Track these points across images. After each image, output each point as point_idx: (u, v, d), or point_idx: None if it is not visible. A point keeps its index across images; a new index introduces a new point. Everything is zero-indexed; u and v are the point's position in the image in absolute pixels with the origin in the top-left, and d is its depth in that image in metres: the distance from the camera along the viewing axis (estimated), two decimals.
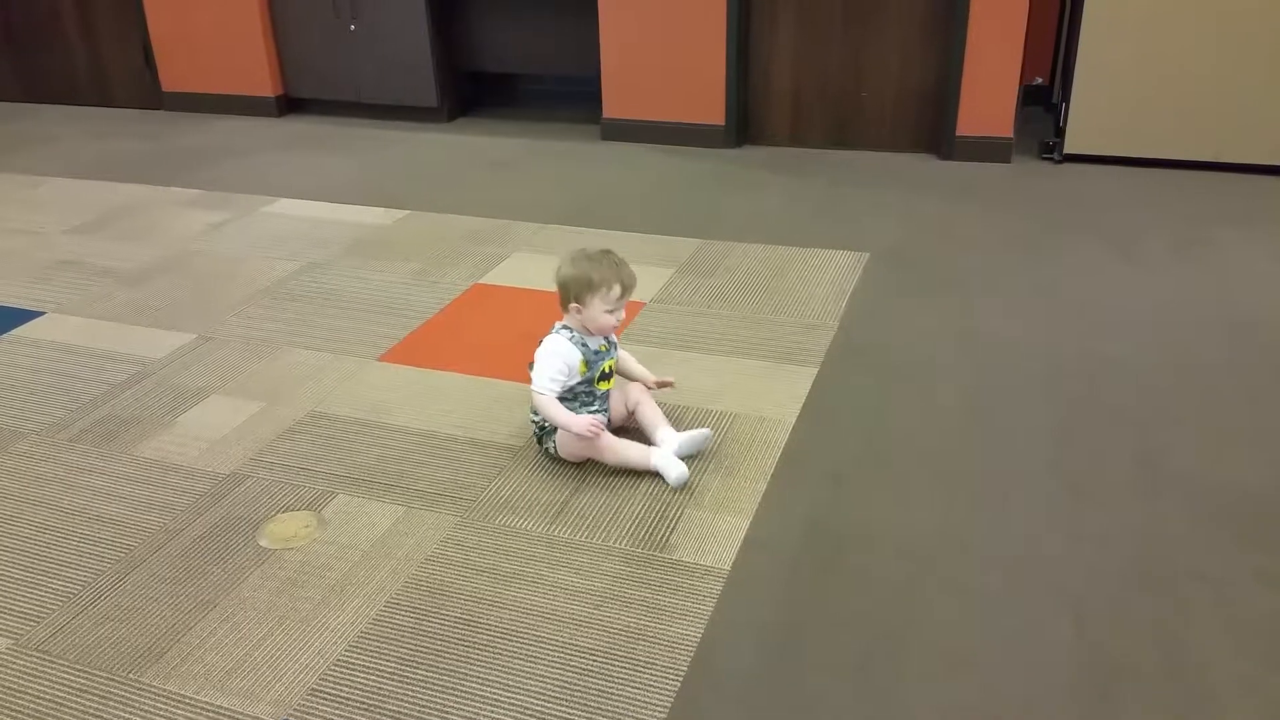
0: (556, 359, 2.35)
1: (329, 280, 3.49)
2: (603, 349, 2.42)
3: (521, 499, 2.31)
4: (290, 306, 3.30)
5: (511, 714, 1.73)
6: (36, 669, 1.85)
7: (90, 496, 2.35)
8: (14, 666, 1.86)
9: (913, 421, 2.58)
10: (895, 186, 4.22)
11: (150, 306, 3.32)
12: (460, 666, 1.82)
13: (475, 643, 1.88)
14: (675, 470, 2.32)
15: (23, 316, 3.27)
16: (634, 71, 4.78)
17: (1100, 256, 3.48)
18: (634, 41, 4.72)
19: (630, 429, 2.49)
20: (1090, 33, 4.12)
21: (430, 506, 2.28)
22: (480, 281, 3.46)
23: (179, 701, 1.77)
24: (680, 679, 1.79)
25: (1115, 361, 2.82)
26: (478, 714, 1.73)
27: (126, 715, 1.75)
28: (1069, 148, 4.32)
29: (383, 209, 4.13)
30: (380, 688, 1.78)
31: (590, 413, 2.39)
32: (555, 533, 2.19)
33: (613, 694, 1.76)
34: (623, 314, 2.40)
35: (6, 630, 1.95)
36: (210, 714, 1.74)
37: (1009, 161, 4.39)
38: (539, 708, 1.73)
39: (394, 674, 1.81)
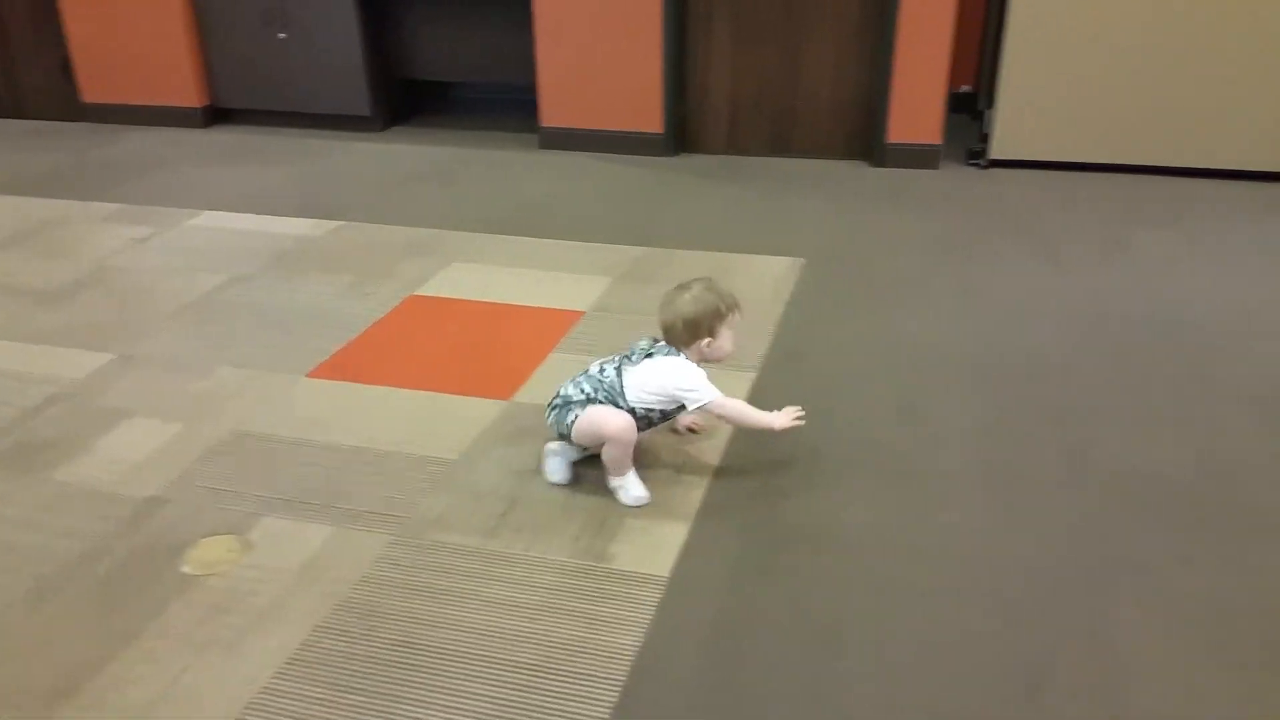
0: (702, 374, 2.29)
1: (256, 294, 3.40)
2: None
3: (457, 514, 2.26)
4: (216, 322, 3.21)
5: None
6: None
7: (1, 525, 2.25)
8: None
9: (848, 423, 2.59)
10: (829, 193, 4.25)
11: (69, 326, 3.20)
12: (396, 690, 1.78)
13: (410, 664, 1.83)
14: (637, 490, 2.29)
15: None
16: (571, 80, 4.76)
17: (1026, 258, 3.54)
18: (570, 51, 4.69)
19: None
20: (1014, 42, 4.19)
21: (363, 525, 2.22)
22: (415, 293, 3.40)
23: None
24: (619, 689, 1.76)
25: (1042, 359, 2.86)
26: None
27: None
28: (995, 153, 4.39)
29: (314, 220, 4.05)
30: (310, 715, 1.73)
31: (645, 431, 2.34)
32: (492, 547, 2.15)
33: (552, 709, 1.73)
34: None
35: None
36: None
37: (938, 168, 4.45)
38: None
39: (325, 700, 1.76)
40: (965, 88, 5.11)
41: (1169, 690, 1.75)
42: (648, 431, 2.37)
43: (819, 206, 4.10)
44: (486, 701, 1.74)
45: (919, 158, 4.45)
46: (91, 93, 5.46)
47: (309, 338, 3.08)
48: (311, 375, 2.87)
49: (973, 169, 4.45)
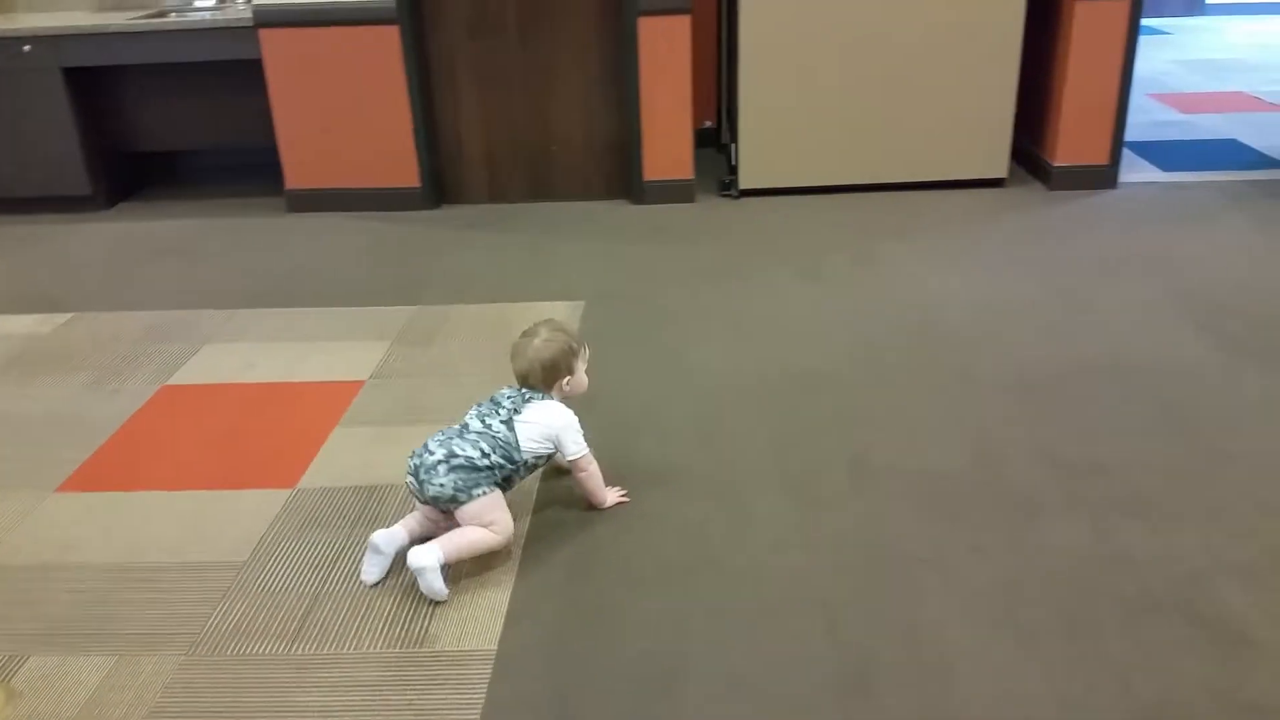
0: (575, 421, 2.32)
1: None
2: None
3: (254, 620, 2.08)
4: None
5: None
6: None
7: None
8: None
9: (649, 456, 2.61)
10: (595, 234, 4.30)
11: None
12: None
13: None
14: (436, 584, 2.11)
15: None
16: (315, 140, 4.57)
17: (786, 279, 3.71)
18: (311, 110, 4.51)
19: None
20: (747, 79, 4.42)
21: (147, 649, 2.00)
22: (168, 383, 3.13)
23: None
24: None
25: (818, 372, 3.00)
26: None
27: None
28: (744, 184, 4.60)
29: (39, 315, 3.65)
30: None
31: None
32: (299, 651, 1.99)
33: None
34: None
35: None
36: None
37: (694, 201, 4.61)
38: None
39: None
40: (708, 123, 5.33)
41: (981, 672, 1.87)
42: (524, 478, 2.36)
43: (587, 248, 4.14)
44: None
45: (675, 193, 4.59)
46: None
47: (52, 448, 2.76)
48: (61, 490, 2.57)
49: (726, 199, 4.64)
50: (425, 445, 2.21)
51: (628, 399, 2.91)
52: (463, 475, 2.16)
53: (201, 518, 2.44)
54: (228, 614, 2.11)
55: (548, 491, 2.49)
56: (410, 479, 2.21)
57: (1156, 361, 3.00)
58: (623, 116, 4.54)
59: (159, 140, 4.95)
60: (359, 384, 3.05)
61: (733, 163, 4.65)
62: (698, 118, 5.31)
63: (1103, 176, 4.57)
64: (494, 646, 1.98)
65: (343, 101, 4.49)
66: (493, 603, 2.10)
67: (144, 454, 2.75)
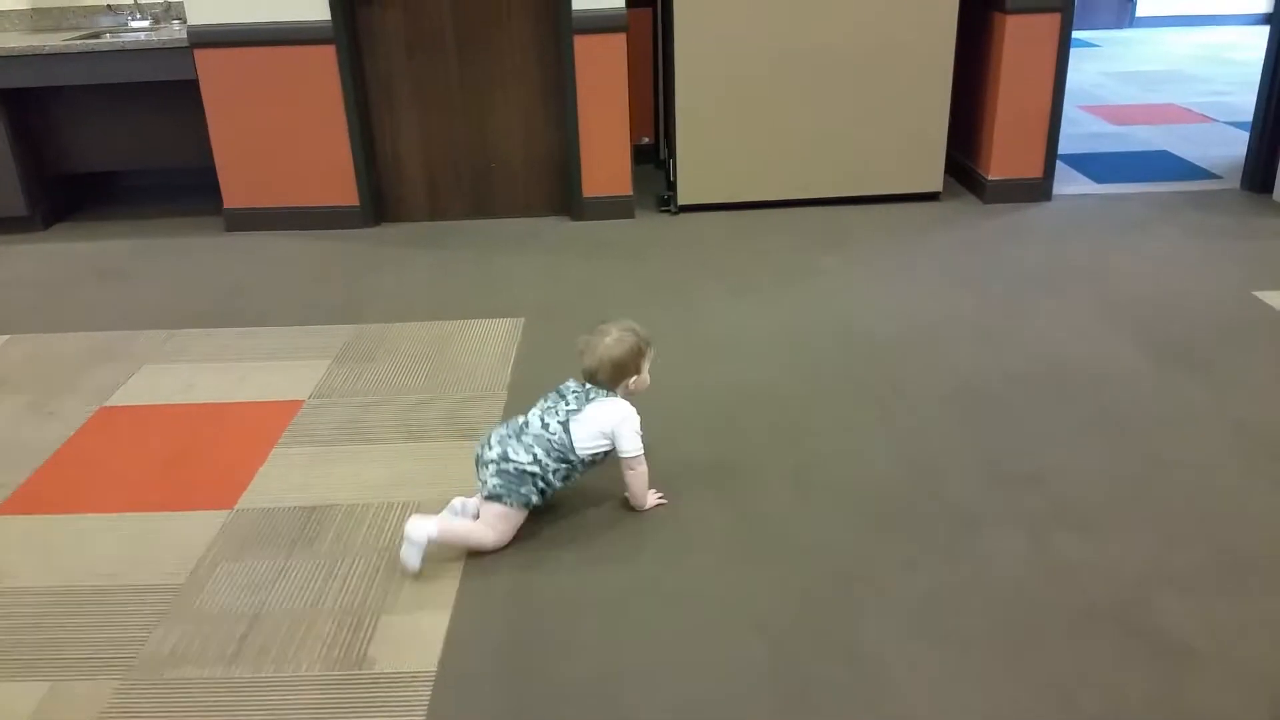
0: (636, 420, 2.37)
1: None
2: None
3: (192, 644, 2.08)
4: None
5: None
6: None
7: None
8: None
9: (591, 473, 2.62)
10: (535, 250, 4.33)
11: None
12: None
13: None
14: (412, 558, 2.25)
15: None
16: (252, 159, 4.55)
17: (722, 294, 3.76)
18: (247, 130, 4.49)
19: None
20: (684, 95, 4.49)
21: (82, 675, 2.00)
22: (106, 404, 3.10)
23: None
24: None
25: (758, 385, 3.05)
26: None
27: None
28: (682, 199, 4.66)
29: None
30: None
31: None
32: (237, 674, 2.00)
33: None
34: None
35: None
36: None
37: (633, 217, 4.66)
38: None
39: None
40: (645, 139, 5.39)
41: (921, 687, 1.91)
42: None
43: (528, 264, 4.16)
44: None
45: (615, 209, 4.64)
46: None
47: None
48: None
49: (665, 215, 4.69)
50: (488, 439, 2.36)
51: None
52: (509, 480, 2.29)
53: (139, 540, 2.43)
54: (165, 638, 2.10)
55: None
56: (475, 463, 2.37)
57: (1091, 371, 3.08)
58: (561, 134, 4.58)
59: (96, 161, 4.89)
60: (298, 404, 3.05)
61: (671, 179, 4.71)
62: (636, 134, 5.39)
63: (1037, 189, 4.70)
64: (434, 668, 1.99)
65: (280, 121, 4.48)
66: (433, 624, 2.12)
67: (81, 477, 2.73)
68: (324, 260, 4.30)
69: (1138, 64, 7.91)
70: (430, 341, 3.45)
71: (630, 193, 4.65)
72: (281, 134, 4.51)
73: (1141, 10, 9.43)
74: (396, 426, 2.91)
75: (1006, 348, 3.26)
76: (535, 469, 2.29)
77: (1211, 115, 6.22)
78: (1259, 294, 3.58)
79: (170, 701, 1.93)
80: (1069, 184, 4.93)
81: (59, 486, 2.68)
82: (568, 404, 2.36)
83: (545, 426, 2.33)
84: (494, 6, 4.41)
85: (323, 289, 3.99)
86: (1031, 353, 3.22)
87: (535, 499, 2.33)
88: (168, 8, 4.90)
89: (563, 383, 2.43)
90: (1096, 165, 5.24)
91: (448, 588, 2.23)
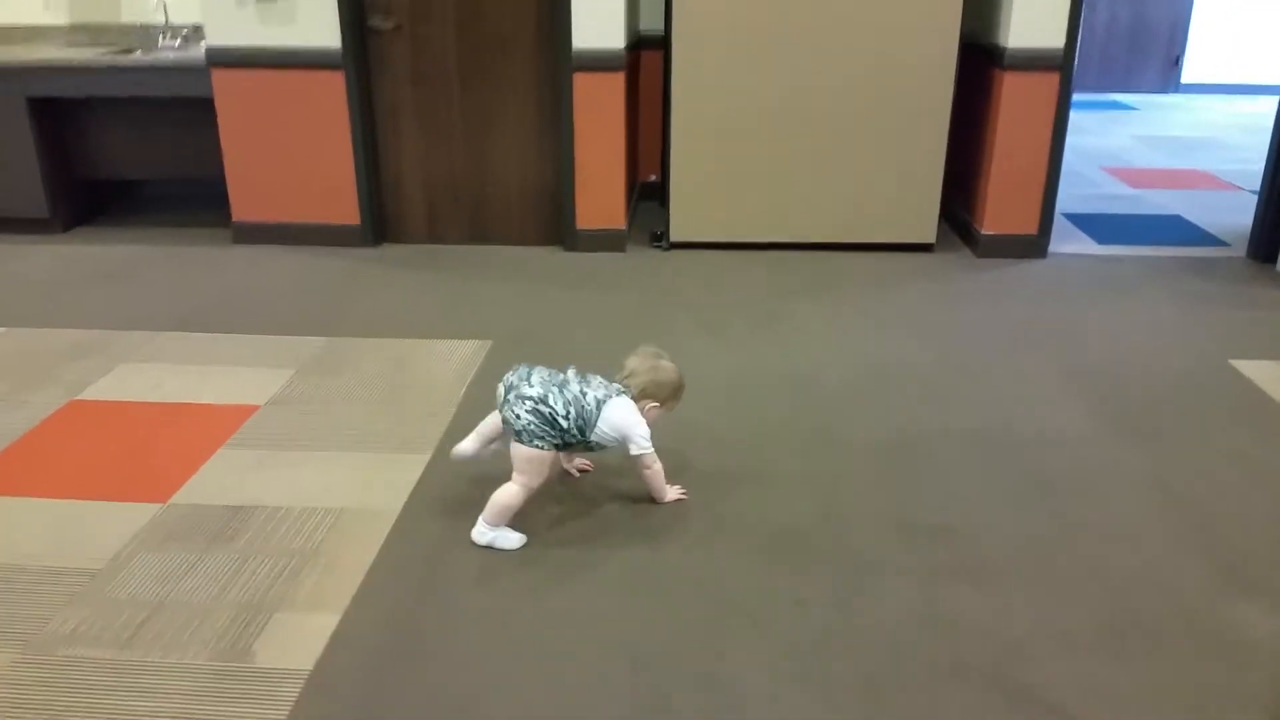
0: (645, 427, 2.51)
1: None
2: None
3: (93, 627, 2.16)
4: None
5: None
6: None
7: None
8: None
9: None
10: (522, 278, 4.41)
11: None
12: None
13: None
14: (508, 542, 2.45)
15: None
16: (261, 175, 4.72)
17: (689, 331, 3.80)
18: (257, 147, 4.67)
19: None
20: (678, 136, 4.57)
21: None
22: (77, 398, 3.23)
23: None
24: None
25: (688, 425, 3.02)
26: None
27: None
28: (675, 236, 4.72)
29: None
30: None
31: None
32: (127, 657, 2.07)
33: None
34: None
35: None
36: None
37: (624, 251, 4.73)
38: None
39: None
40: (653, 177, 5.48)
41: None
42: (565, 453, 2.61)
43: (510, 290, 4.25)
44: None
45: (607, 242, 4.71)
46: None
47: None
48: None
49: (656, 251, 4.75)
50: (529, 375, 2.45)
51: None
52: (538, 422, 2.39)
53: (71, 526, 2.53)
54: (69, 618, 2.18)
55: (405, 526, 2.56)
56: (500, 388, 2.46)
57: (1034, 432, 3.05)
58: (557, 166, 4.68)
59: (119, 169, 5.11)
60: (254, 408, 3.15)
61: (668, 215, 4.78)
62: (644, 171, 5.48)
63: (1031, 246, 4.68)
64: (309, 667, 2.04)
65: (289, 140, 4.65)
66: (321, 625, 2.17)
67: (35, 463, 2.84)
68: (317, 275, 4.43)
69: (1174, 129, 7.83)
70: (394, 358, 3.54)
71: (623, 227, 4.73)
72: (290, 153, 4.67)
73: (1187, 76, 9.34)
74: (338, 436, 2.99)
75: (953, 403, 3.24)
76: (564, 424, 2.41)
77: (1238, 184, 6.14)
78: (1236, 363, 3.52)
79: (56, 678, 2.00)
80: (1069, 243, 4.89)
81: (11, 471, 2.79)
82: (597, 389, 2.48)
83: (583, 394, 2.45)
84: (497, 41, 4.55)
85: (307, 302, 4.10)
86: (977, 410, 3.19)
87: (560, 441, 2.44)
88: (197, 29, 5.11)
89: (591, 373, 2.57)
90: (1102, 226, 5.20)
91: (347, 591, 2.28)
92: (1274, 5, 9.17)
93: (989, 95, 4.56)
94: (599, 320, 3.93)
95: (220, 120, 4.64)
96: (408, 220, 4.86)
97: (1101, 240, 4.95)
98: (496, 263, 4.61)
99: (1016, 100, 4.44)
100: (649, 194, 5.50)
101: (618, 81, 4.48)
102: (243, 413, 3.12)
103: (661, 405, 2.57)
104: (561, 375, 2.49)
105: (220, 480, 2.75)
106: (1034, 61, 4.37)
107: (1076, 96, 9.12)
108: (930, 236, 4.71)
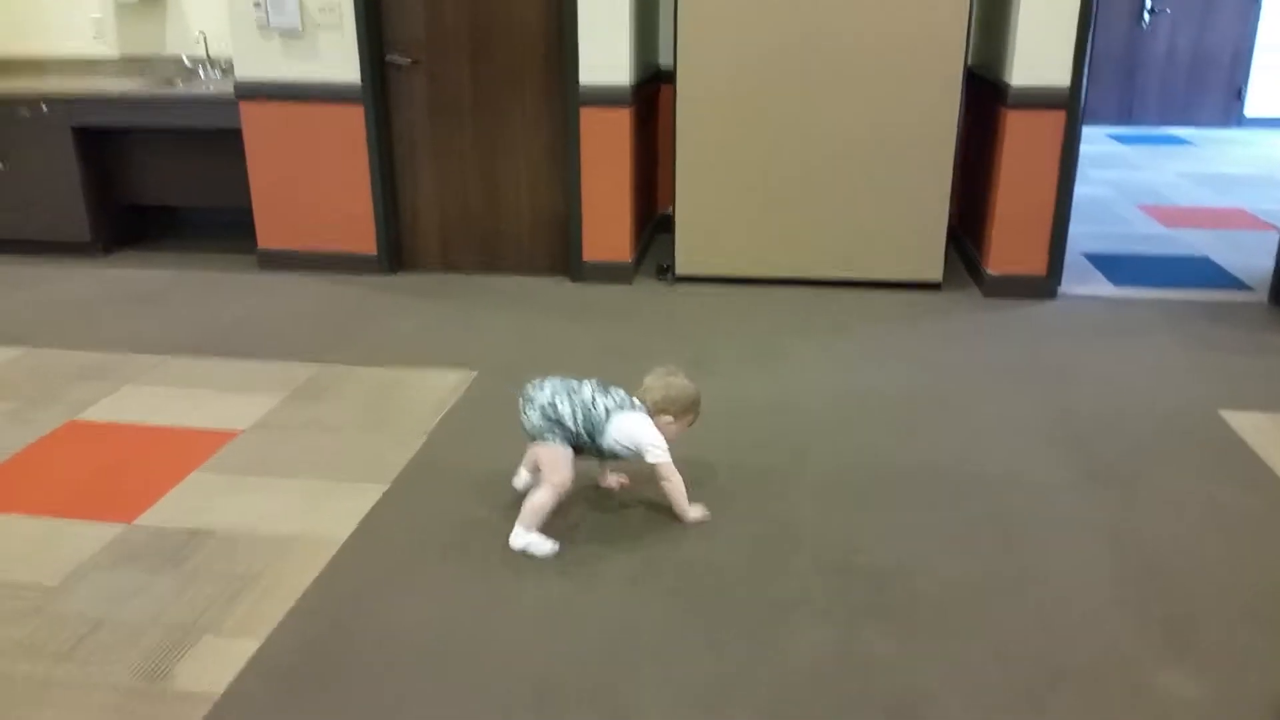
0: (660, 439, 2.67)
1: None
2: None
3: (34, 640, 2.29)
4: None
5: None
6: None
7: None
8: None
9: (453, 530, 2.74)
10: (524, 308, 4.50)
11: None
12: None
13: None
14: (541, 549, 2.61)
15: None
16: (285, 204, 4.91)
17: (677, 363, 3.78)
18: (281, 177, 4.86)
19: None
20: (684, 171, 4.62)
21: None
22: (77, 418, 3.41)
23: None
24: None
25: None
26: None
27: None
28: (681, 270, 4.77)
29: None
30: None
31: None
32: (56, 672, 2.19)
33: None
34: None
35: None
36: None
37: (631, 283, 4.79)
38: None
39: None
40: (670, 209, 5.52)
41: None
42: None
43: (509, 320, 4.34)
44: None
45: (613, 274, 4.78)
46: None
47: None
48: None
49: (662, 284, 4.80)
50: (541, 383, 2.67)
51: (468, 471, 3.05)
52: (547, 423, 2.62)
53: (38, 541, 2.68)
54: (13, 633, 2.32)
55: (346, 554, 2.65)
56: (520, 400, 2.67)
57: (1000, 474, 3.02)
58: (566, 199, 4.77)
59: (159, 195, 5.38)
60: (235, 432, 3.29)
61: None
62: (661, 204, 5.54)
63: (1040, 287, 4.60)
64: (221, 690, 2.14)
65: (311, 170, 4.83)
66: (242, 649, 2.27)
67: (22, 480, 3.02)
68: (330, 303, 4.59)
69: (1227, 166, 7.57)
70: (380, 386, 3.66)
71: (629, 259, 4.80)
72: (312, 182, 4.86)
73: (1251, 109, 9.02)
74: (305, 463, 3.10)
75: (925, 442, 3.22)
76: (569, 423, 2.61)
77: (1277, 224, 5.92)
78: (1225, 412, 3.41)
79: None
80: (1083, 284, 4.79)
81: None
82: (613, 400, 2.66)
83: (594, 402, 2.64)
84: (509, 78, 4.67)
85: (314, 328, 4.26)
86: (948, 449, 3.17)
87: (571, 440, 2.63)
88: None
89: (614, 386, 2.73)
90: (1122, 267, 5.07)
91: (274, 616, 2.38)
92: None
93: (996, 132, 4.51)
94: (587, 352, 3.99)
95: (247, 150, 4.85)
96: (423, 249, 5.01)
97: (1118, 282, 4.84)
98: (503, 292, 4.72)
99: (1020, 139, 4.38)
100: (667, 226, 5.54)
101: (624, 116, 4.56)
102: (223, 437, 3.26)
103: (676, 420, 2.72)
104: (576, 383, 2.68)
105: (185, 503, 2.88)
106: (1038, 99, 4.31)
107: (1132, 131, 8.96)
108: (937, 275, 4.67)
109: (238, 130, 4.85)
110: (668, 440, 2.68)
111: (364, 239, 4.92)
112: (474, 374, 3.76)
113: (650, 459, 2.66)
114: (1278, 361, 3.88)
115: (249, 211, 5.06)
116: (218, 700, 2.11)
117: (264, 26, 4.62)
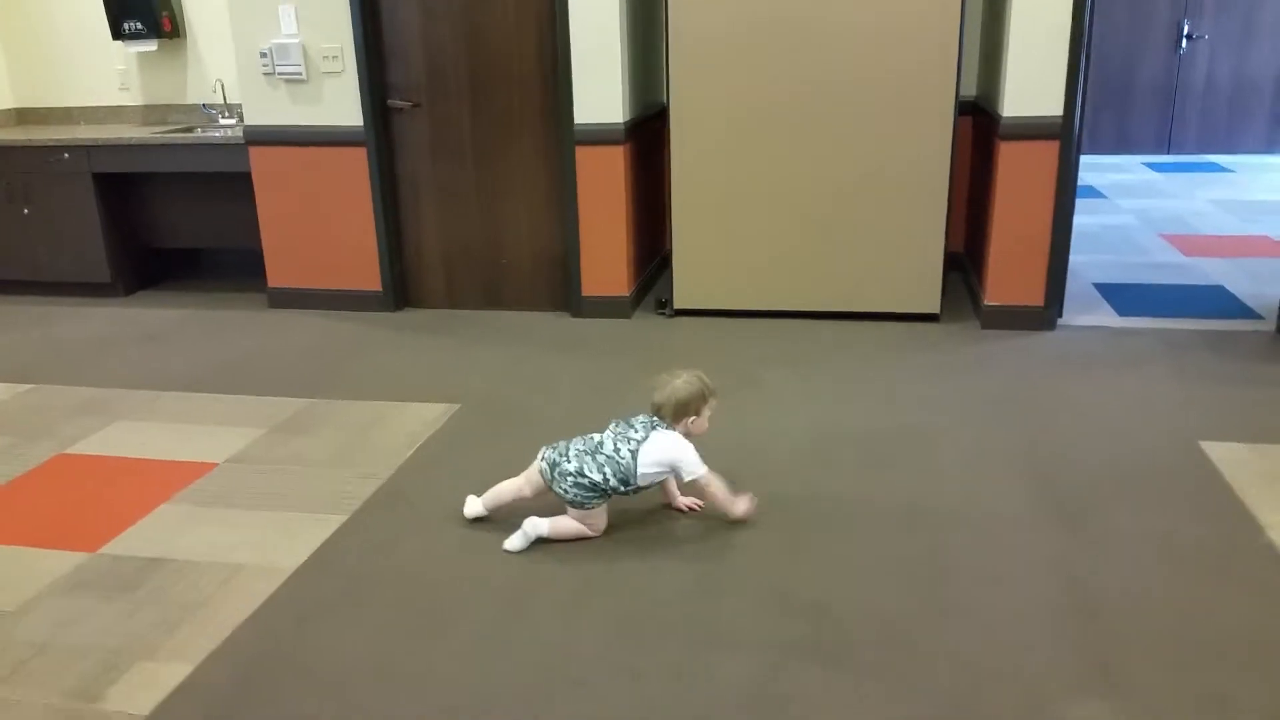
0: (691, 448, 2.76)
1: None
2: None
3: None
4: None
5: None
6: None
7: None
8: None
9: (404, 560, 2.77)
10: (520, 342, 4.55)
11: None
12: None
13: None
14: (515, 541, 2.75)
15: None
16: (293, 243, 5.05)
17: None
18: (289, 218, 5.01)
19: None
20: (680, 206, 4.66)
21: None
22: (66, 452, 3.53)
23: None
24: None
25: None
26: None
27: None
28: (679, 304, 4.78)
29: (6, 384, 4.17)
30: None
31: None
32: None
33: None
34: None
35: None
36: None
37: (629, 317, 4.82)
38: None
39: None
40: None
41: None
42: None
43: (502, 354, 4.39)
44: None
45: (612, 308, 4.81)
46: None
47: None
48: None
49: (660, 318, 4.82)
50: (566, 450, 2.77)
51: (433, 503, 3.07)
52: (583, 492, 2.73)
53: (6, 569, 2.77)
54: None
55: (293, 583, 2.69)
56: (544, 467, 2.78)
57: (959, 508, 2.96)
58: (564, 235, 4.83)
59: (178, 238, 5.57)
60: (211, 466, 3.37)
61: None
62: (663, 241, 5.57)
63: (1038, 318, 4.51)
64: (146, 713, 2.18)
65: (318, 211, 4.97)
66: (173, 674, 2.31)
67: (4, 511, 3.12)
68: (332, 339, 4.69)
69: (1261, 193, 7.36)
70: (362, 420, 3.72)
71: (627, 294, 4.83)
72: (318, 223, 4.99)
73: None
74: (271, 495, 3.16)
75: (891, 475, 3.17)
76: (603, 485, 2.72)
77: None
78: (1205, 444, 3.30)
79: None
80: (1087, 314, 4.69)
81: None
82: (636, 433, 2.75)
83: (617, 451, 2.73)
84: (508, 119, 4.76)
85: (312, 365, 4.35)
86: (912, 483, 3.11)
87: (609, 494, 2.75)
88: None
89: (633, 414, 2.82)
90: (1129, 296, 4.95)
91: (210, 643, 2.42)
92: None
93: (992, 163, 4.46)
94: (575, 385, 4.02)
95: (257, 193, 5.01)
96: (427, 286, 5.10)
97: (1123, 312, 4.72)
98: (502, 327, 4.77)
99: (1013, 169, 4.32)
100: (666, 263, 5.57)
101: (618, 155, 4.61)
102: (199, 470, 3.35)
103: (699, 415, 2.79)
104: (596, 439, 2.78)
105: (150, 534, 2.95)
106: (1031, 130, 4.25)
107: (1170, 159, 8.76)
108: (934, 306, 4.61)
109: (249, 174, 5.02)
110: (702, 433, 2.80)
111: (370, 277, 5.03)
112: (456, 407, 3.80)
113: (688, 477, 2.75)
114: (1271, 392, 3.75)
115: (260, 252, 5.22)
116: None
117: (270, 74, 4.79)
